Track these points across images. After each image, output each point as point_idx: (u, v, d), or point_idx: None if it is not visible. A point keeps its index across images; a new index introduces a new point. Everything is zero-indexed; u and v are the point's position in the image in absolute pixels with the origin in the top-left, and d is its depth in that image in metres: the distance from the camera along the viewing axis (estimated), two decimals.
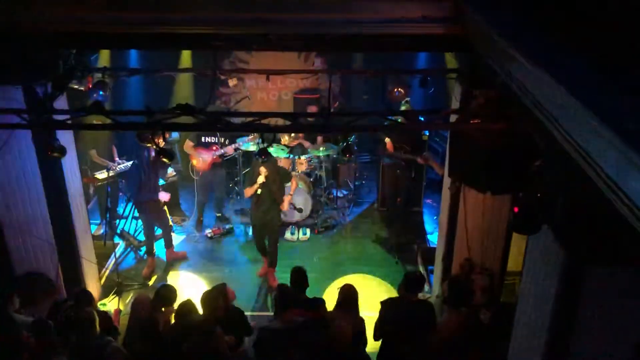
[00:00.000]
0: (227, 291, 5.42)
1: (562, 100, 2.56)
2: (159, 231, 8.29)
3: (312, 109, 9.30)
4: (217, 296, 5.34)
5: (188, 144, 8.67)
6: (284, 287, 5.66)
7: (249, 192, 7.51)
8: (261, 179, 7.28)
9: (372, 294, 6.86)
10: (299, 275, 5.69)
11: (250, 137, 8.84)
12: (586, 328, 3.22)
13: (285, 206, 7.79)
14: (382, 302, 5.45)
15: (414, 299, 5.37)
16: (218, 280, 7.60)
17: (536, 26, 3.68)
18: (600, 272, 3.08)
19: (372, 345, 5.45)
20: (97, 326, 4.95)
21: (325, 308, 5.58)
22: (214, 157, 8.57)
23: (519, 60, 3.18)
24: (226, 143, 8.70)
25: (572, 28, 3.25)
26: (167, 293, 5.54)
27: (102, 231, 8.44)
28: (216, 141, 8.63)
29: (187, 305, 5.30)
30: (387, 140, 8.50)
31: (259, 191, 7.35)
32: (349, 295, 5.39)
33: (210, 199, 9.14)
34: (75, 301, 5.56)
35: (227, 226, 8.97)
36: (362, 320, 5.37)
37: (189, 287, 7.51)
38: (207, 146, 8.63)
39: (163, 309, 5.48)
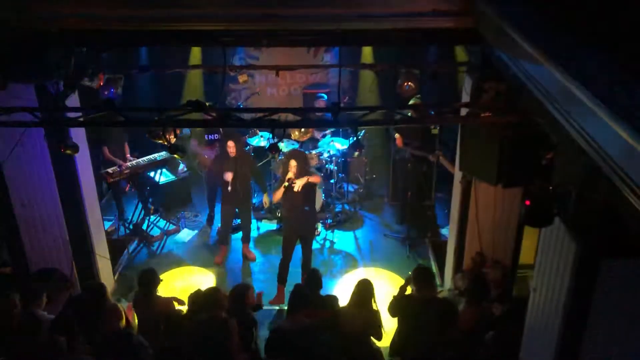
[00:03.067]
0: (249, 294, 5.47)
1: (575, 93, 2.55)
2: (169, 226, 8.31)
3: (320, 103, 9.32)
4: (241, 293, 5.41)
5: (192, 143, 8.76)
6: (300, 287, 5.64)
7: (278, 195, 7.12)
8: (290, 175, 6.87)
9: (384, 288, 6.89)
10: (315, 277, 5.70)
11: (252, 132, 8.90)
12: (600, 321, 3.21)
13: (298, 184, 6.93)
14: (396, 299, 5.45)
15: (428, 296, 5.33)
16: (228, 275, 7.72)
17: (548, 19, 3.66)
18: (614, 264, 3.06)
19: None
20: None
21: (338, 305, 5.60)
22: (218, 153, 8.64)
23: (531, 54, 3.16)
24: None
25: (584, 20, 3.23)
26: (145, 278, 5.67)
27: (115, 227, 8.51)
28: (219, 138, 8.69)
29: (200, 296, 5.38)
30: (396, 136, 8.49)
31: (295, 185, 6.80)
32: (363, 290, 5.40)
33: (220, 194, 9.17)
34: (89, 294, 5.64)
35: (238, 221, 9.00)
36: (376, 313, 5.39)
37: (200, 281, 7.58)
38: (211, 143, 8.68)
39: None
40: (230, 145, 7.60)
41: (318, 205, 8.83)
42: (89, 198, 6.64)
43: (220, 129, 8.65)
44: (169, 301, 5.74)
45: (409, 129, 8.39)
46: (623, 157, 2.18)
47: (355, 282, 5.52)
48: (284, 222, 7.55)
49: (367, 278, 5.61)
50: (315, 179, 7.15)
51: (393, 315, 5.35)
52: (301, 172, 6.95)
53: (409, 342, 5.25)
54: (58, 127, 5.46)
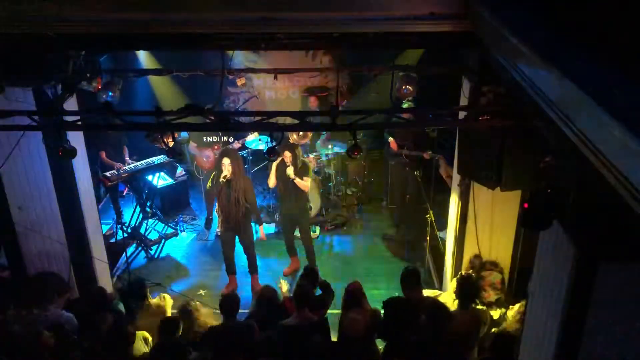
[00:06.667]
0: None
1: (573, 97, 2.55)
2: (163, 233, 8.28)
3: (313, 101, 9.37)
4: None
5: (192, 145, 8.75)
6: (305, 286, 5.64)
7: (272, 179, 7.59)
8: (277, 162, 7.27)
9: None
10: (311, 276, 5.71)
11: (251, 135, 8.88)
12: (598, 325, 3.20)
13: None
14: (384, 303, 5.46)
15: (417, 296, 5.35)
16: (226, 280, 7.70)
17: (546, 22, 3.66)
18: (612, 267, 3.05)
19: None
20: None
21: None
22: (216, 156, 8.63)
23: (529, 57, 3.16)
24: (229, 141, 8.74)
25: (582, 23, 3.23)
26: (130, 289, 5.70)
27: (113, 231, 8.50)
28: (218, 140, 8.68)
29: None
30: (390, 139, 8.49)
31: (290, 173, 7.24)
32: (354, 292, 5.42)
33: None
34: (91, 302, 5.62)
35: None
36: (375, 311, 5.39)
37: (198, 286, 7.57)
38: (210, 145, 8.68)
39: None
40: (225, 164, 7.01)
41: (316, 209, 8.84)
42: (86, 202, 6.63)
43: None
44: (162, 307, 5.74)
45: (402, 132, 8.39)
46: (621, 160, 2.18)
47: (346, 287, 5.57)
48: (281, 207, 8.05)
49: (356, 281, 5.64)
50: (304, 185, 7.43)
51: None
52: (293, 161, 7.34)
53: (400, 343, 5.26)
54: (56, 131, 5.45)
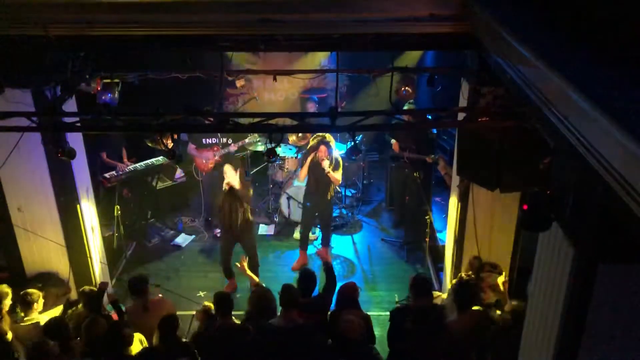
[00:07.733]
0: None
1: (572, 98, 2.55)
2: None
3: (311, 107, 9.37)
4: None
5: (190, 147, 8.74)
6: (288, 286, 5.64)
7: (303, 173, 7.96)
8: (311, 157, 7.58)
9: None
10: (307, 278, 5.69)
11: (250, 136, 8.87)
12: (598, 327, 3.20)
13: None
14: (391, 312, 5.44)
15: (426, 305, 5.32)
16: (225, 281, 7.70)
17: (545, 23, 3.67)
18: (612, 268, 3.05)
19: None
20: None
21: (328, 307, 5.61)
22: (215, 157, 8.61)
23: (528, 58, 3.17)
24: (228, 142, 8.72)
25: (582, 25, 3.24)
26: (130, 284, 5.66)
27: (112, 232, 8.49)
28: (217, 142, 8.68)
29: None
30: (393, 141, 8.50)
31: (326, 165, 7.53)
32: (348, 294, 5.42)
33: None
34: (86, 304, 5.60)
35: None
36: (367, 317, 5.38)
37: (198, 287, 7.56)
38: (209, 147, 8.67)
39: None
40: (227, 172, 7.14)
41: None
42: (86, 203, 6.62)
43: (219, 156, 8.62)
44: (167, 303, 5.73)
45: (404, 134, 8.39)
46: (621, 161, 2.18)
47: (340, 287, 5.58)
48: (308, 198, 8.10)
49: (351, 282, 5.64)
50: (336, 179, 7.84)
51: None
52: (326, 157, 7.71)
53: (408, 348, 5.25)
54: (55, 132, 5.45)
